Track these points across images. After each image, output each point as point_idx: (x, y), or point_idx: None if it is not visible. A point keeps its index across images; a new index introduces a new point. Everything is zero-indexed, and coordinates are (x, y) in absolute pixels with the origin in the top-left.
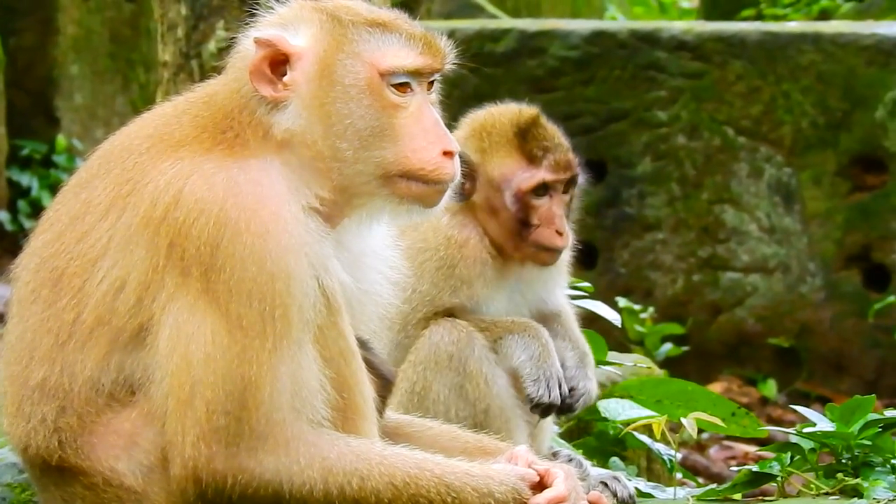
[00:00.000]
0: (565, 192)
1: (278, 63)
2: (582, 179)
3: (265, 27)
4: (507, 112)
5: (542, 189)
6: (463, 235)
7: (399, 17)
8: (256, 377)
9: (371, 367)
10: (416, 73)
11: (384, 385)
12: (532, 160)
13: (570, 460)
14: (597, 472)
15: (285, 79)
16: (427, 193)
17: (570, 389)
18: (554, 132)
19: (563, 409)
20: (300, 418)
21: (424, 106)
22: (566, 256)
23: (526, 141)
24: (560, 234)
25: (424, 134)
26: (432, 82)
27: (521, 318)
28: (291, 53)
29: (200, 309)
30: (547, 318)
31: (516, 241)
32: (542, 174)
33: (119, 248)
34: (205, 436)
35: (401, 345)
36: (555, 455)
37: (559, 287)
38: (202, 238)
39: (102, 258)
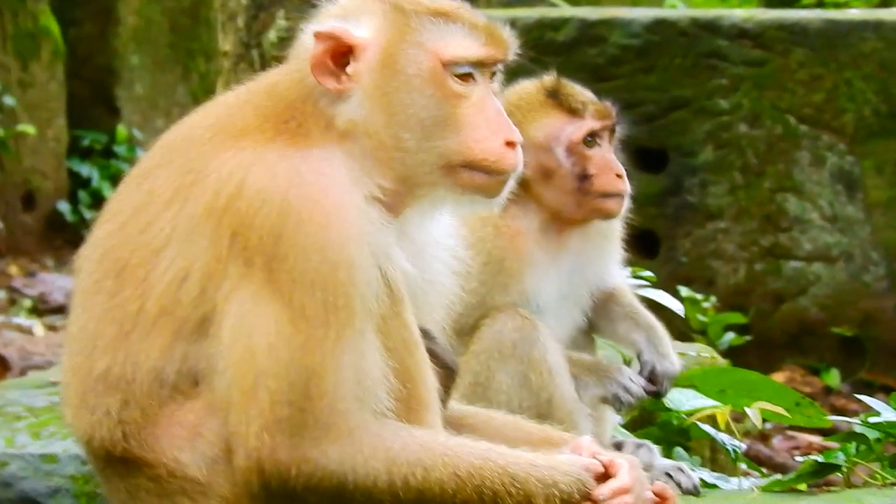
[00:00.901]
0: (609, 141)
1: (341, 55)
2: (620, 130)
3: (328, 19)
4: (527, 85)
5: (591, 138)
6: (514, 224)
7: (461, 7)
8: (320, 367)
9: (434, 356)
10: (480, 64)
11: (448, 375)
12: (574, 113)
13: (640, 446)
14: (661, 462)
15: (348, 70)
16: (489, 184)
17: (651, 373)
18: (581, 89)
19: (654, 397)
20: (364, 408)
21: (487, 96)
22: (619, 228)
23: (561, 100)
24: (620, 176)
25: (487, 124)
26: (494, 72)
27: (576, 356)
28: (354, 45)
29: (264, 299)
30: (606, 299)
31: (578, 197)
32: (589, 123)
33: (182, 238)
34: (268, 426)
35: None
36: (619, 446)
37: (615, 263)
38: (265, 228)
39: (166, 248)
